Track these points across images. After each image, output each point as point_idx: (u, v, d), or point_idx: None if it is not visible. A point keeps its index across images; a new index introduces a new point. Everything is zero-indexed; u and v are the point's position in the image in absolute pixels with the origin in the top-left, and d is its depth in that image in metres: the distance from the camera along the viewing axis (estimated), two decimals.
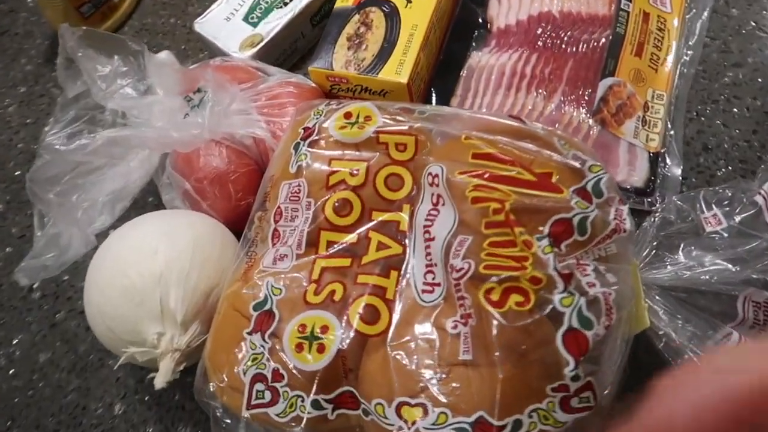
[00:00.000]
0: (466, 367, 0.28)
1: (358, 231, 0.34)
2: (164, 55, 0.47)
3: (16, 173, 0.58)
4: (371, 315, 0.31)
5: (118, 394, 0.45)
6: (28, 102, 0.63)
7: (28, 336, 0.49)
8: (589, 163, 0.31)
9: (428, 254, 0.32)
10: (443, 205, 0.32)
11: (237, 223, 0.44)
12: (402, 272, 0.32)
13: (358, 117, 0.36)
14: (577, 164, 0.31)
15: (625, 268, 0.31)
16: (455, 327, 0.29)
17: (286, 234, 0.35)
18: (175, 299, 0.37)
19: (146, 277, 0.37)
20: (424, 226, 0.32)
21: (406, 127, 0.35)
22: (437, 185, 0.32)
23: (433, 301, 0.31)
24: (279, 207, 0.36)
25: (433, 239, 0.32)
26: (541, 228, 0.29)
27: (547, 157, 0.31)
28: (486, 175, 0.31)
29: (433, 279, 0.31)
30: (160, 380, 0.36)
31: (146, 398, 0.44)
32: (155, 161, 0.46)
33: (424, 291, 0.31)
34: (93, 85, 0.44)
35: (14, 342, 0.49)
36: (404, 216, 0.33)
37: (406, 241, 0.33)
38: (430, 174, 0.33)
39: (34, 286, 0.51)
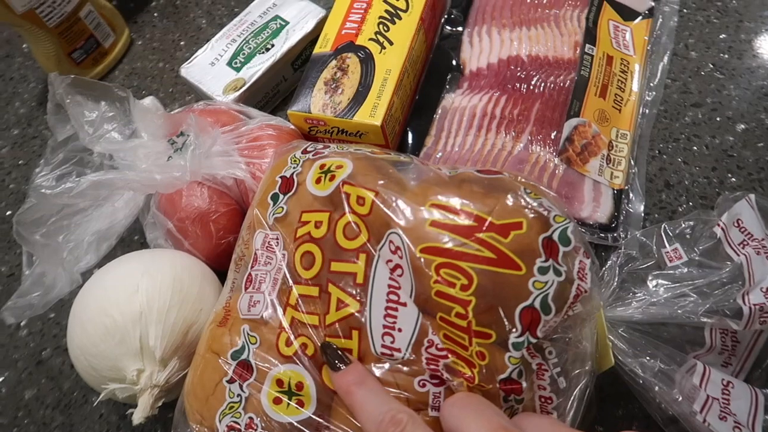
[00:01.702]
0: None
1: (320, 284, 0.34)
2: (149, 100, 0.50)
3: (7, 213, 0.60)
4: None
5: (100, 430, 0.46)
6: (21, 144, 0.65)
7: (15, 373, 0.50)
8: (554, 214, 0.32)
9: (387, 328, 0.32)
10: (401, 276, 0.32)
11: (218, 261, 0.46)
12: (362, 331, 0.33)
13: (330, 168, 0.37)
14: (543, 213, 0.32)
15: (583, 367, 0.33)
16: (423, 386, 0.31)
17: (258, 279, 0.36)
18: (154, 336, 0.38)
19: (127, 315, 0.39)
20: (387, 297, 0.32)
21: (369, 186, 0.35)
22: (401, 257, 0.32)
23: (395, 361, 0.32)
24: (255, 253, 0.37)
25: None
26: (509, 323, 0.30)
27: (516, 206, 0.32)
28: (448, 252, 0.31)
29: (392, 343, 0.32)
30: (138, 416, 0.37)
31: None
32: (140, 201, 0.48)
33: (383, 354, 0.32)
34: (81, 130, 0.45)
35: (1, 379, 0.50)
36: (360, 266, 0.33)
37: (363, 295, 0.33)
38: (391, 242, 0.32)
39: (21, 324, 0.53)
